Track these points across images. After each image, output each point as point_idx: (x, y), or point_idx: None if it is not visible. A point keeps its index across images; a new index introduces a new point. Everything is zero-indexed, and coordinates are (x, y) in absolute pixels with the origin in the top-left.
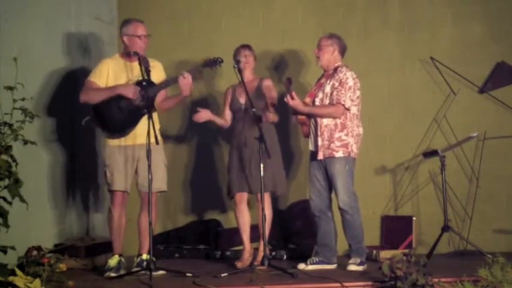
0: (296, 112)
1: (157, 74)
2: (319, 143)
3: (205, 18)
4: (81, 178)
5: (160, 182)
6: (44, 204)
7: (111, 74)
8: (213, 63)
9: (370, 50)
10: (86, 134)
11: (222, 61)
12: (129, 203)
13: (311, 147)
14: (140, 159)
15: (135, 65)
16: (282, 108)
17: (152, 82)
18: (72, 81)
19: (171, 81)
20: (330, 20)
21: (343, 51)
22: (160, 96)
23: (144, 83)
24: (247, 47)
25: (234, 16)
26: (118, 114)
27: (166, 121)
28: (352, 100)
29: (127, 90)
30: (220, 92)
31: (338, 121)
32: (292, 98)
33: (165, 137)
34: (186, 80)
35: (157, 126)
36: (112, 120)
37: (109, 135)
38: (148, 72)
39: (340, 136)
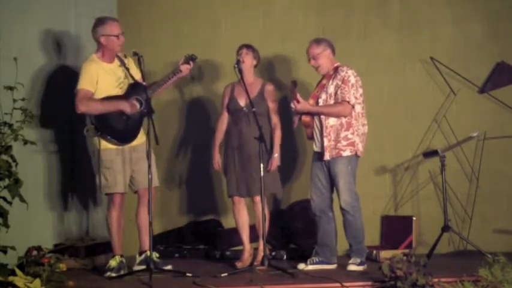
0: (302, 113)
1: (135, 70)
2: (325, 143)
3: (205, 18)
4: (81, 178)
5: (154, 178)
6: (44, 204)
7: (98, 78)
8: (189, 59)
9: (370, 50)
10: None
11: (196, 58)
12: (125, 204)
13: (316, 148)
14: (137, 159)
15: (116, 66)
16: (284, 108)
17: (143, 84)
18: (72, 81)
19: (167, 78)
20: (330, 20)
21: (333, 48)
22: None
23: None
24: (245, 46)
25: (234, 16)
26: (124, 122)
27: (166, 122)
28: (356, 98)
29: (127, 107)
30: (219, 94)
31: (344, 120)
32: (298, 102)
33: (163, 137)
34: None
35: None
36: (119, 129)
37: (117, 143)
38: (128, 69)
39: (347, 135)
